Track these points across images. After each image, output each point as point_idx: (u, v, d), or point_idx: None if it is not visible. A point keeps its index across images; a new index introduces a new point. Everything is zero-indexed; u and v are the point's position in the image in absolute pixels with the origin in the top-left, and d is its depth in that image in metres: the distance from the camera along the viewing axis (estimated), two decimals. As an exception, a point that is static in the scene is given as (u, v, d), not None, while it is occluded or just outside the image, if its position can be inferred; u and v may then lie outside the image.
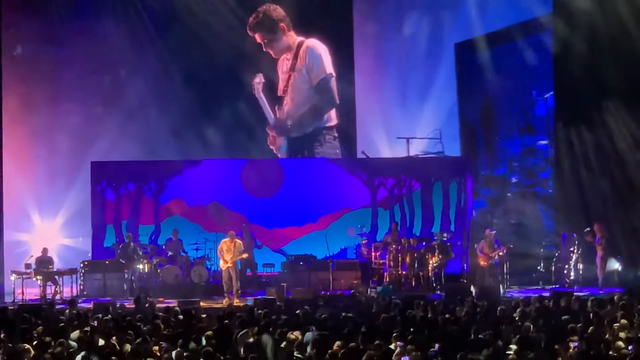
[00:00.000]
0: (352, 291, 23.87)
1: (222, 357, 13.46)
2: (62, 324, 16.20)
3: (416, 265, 25.85)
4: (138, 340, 14.46)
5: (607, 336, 14.51)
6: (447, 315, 16.93)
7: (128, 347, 14.16)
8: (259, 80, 30.09)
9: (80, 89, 29.39)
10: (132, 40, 29.70)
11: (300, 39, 30.63)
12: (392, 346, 14.00)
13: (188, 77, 30.09)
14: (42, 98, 29.07)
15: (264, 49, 30.35)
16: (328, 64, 30.48)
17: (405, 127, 30.78)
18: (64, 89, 29.45)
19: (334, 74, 30.50)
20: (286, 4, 30.09)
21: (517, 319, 16.46)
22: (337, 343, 13.88)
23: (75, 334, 15.19)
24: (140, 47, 29.89)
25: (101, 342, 14.69)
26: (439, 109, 30.30)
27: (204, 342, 14.51)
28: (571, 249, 25.59)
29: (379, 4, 32.17)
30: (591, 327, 15.25)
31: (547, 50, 26.63)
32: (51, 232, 29.20)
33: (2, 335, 14.91)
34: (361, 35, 31.62)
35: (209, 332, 15.06)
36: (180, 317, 17.42)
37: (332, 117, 31.10)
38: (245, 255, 24.45)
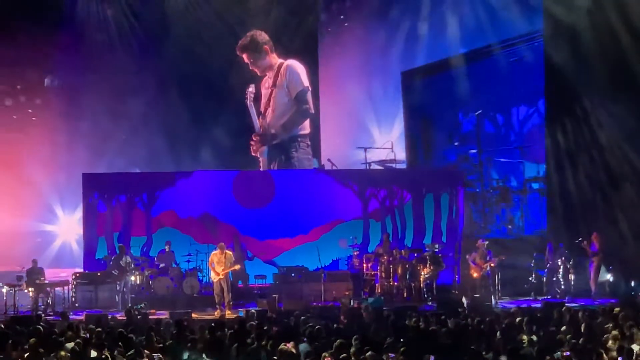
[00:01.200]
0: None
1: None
2: (54, 336, 16.19)
3: (408, 277, 25.87)
4: (130, 352, 14.46)
5: (598, 347, 14.52)
6: (438, 327, 16.95)
7: (121, 358, 14.14)
8: (252, 90, 31.82)
9: (91, 108, 32.23)
10: (132, 62, 32.62)
11: (280, 60, 32.65)
12: (384, 357, 13.98)
13: (182, 91, 32.43)
14: (62, 118, 32.53)
15: (250, 68, 32.42)
16: (305, 79, 32.37)
17: (364, 138, 34.35)
18: (79, 108, 32.59)
19: (310, 88, 32.47)
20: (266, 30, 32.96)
21: (508, 330, 16.46)
22: (325, 354, 13.90)
23: (68, 346, 15.16)
24: (140, 67, 32.54)
25: (93, 353, 14.68)
26: (392, 122, 34.83)
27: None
28: (559, 259, 25.64)
29: (342, 32, 35.53)
30: (582, 338, 15.28)
31: (477, 76, 30.85)
32: (71, 224, 32.90)
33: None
34: (326, 56, 35.38)
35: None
36: (172, 328, 17.41)
37: (306, 126, 32.82)
38: (237, 267, 24.53)
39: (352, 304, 23.37)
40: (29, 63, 32.30)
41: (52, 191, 32.14)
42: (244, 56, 32.20)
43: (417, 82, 34.14)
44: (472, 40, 31.04)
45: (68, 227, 32.85)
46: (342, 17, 35.57)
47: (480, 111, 31.17)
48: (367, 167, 32.40)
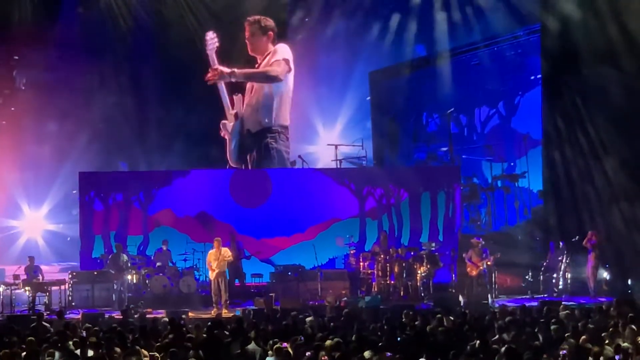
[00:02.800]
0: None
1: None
2: (49, 335, 16.19)
3: (404, 275, 25.86)
4: (127, 351, 14.45)
5: (595, 345, 14.52)
6: (435, 325, 16.96)
7: (118, 357, 14.14)
8: (212, 35, 29.80)
9: (60, 106, 32.15)
10: (101, 61, 32.52)
11: (272, 48, 31.25)
12: (380, 356, 13.97)
13: (152, 88, 32.69)
14: (29, 115, 32.43)
15: (246, 40, 30.98)
16: (289, 57, 30.63)
17: (335, 136, 35.39)
18: (48, 106, 32.32)
19: (289, 66, 30.61)
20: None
21: (505, 328, 16.46)
22: (322, 354, 13.93)
23: (65, 345, 15.16)
24: (108, 66, 32.59)
25: (90, 353, 14.67)
26: (362, 120, 36.12)
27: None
28: (559, 258, 25.68)
29: (314, 31, 35.06)
30: (579, 337, 15.29)
31: (441, 78, 32.13)
32: (37, 219, 33.29)
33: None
34: (298, 53, 33.84)
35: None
36: (169, 327, 17.40)
37: (287, 117, 31.23)
38: (228, 257, 24.33)
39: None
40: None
41: (18, 186, 32.22)
42: (247, 28, 30.96)
43: (384, 83, 36.01)
44: (437, 43, 31.93)
45: (34, 223, 32.91)
46: (310, 15, 35.03)
47: (452, 109, 32.15)
48: (338, 164, 32.61)
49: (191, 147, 31.51)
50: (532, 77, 30.60)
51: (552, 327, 16.52)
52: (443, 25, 31.04)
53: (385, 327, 17.07)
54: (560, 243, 26.00)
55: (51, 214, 32.75)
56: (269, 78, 30.37)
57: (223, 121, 30.30)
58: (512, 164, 31.37)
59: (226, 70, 29.59)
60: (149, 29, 32.56)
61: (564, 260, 25.65)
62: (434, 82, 32.53)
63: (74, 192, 32.39)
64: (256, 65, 30.88)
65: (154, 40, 32.47)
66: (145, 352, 14.67)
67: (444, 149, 32.44)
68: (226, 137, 30.40)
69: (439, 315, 18.18)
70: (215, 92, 30.50)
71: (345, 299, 24.05)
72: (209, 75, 29.80)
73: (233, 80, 30.16)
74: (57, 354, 14.41)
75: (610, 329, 15.87)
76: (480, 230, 30.03)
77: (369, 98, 36.20)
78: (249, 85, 30.88)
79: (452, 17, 30.75)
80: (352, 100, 35.20)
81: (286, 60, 30.32)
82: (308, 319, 18.36)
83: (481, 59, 31.68)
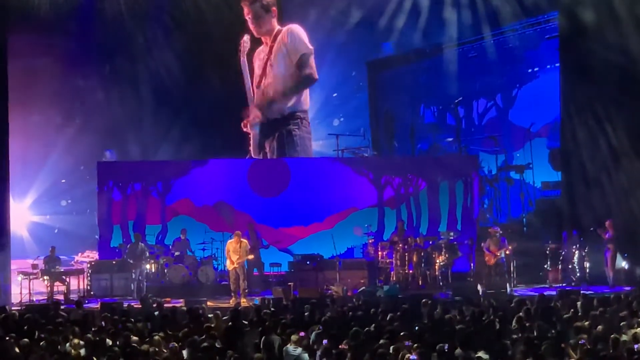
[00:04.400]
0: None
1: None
2: (68, 324, 16.25)
3: (423, 265, 25.83)
4: (146, 340, 14.49)
5: (614, 334, 14.48)
6: (454, 314, 16.94)
7: (136, 347, 14.18)
8: (246, 38, 30.19)
9: (45, 95, 31.87)
10: (89, 47, 32.17)
11: (279, 27, 30.96)
12: (398, 345, 13.98)
13: (157, 82, 31.82)
14: (13, 103, 30.48)
15: (248, 24, 30.61)
16: (307, 43, 30.56)
17: (336, 126, 35.19)
18: (33, 93, 31.44)
19: (312, 52, 30.67)
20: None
21: (523, 317, 16.43)
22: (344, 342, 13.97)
23: (84, 334, 15.21)
24: (97, 53, 32.46)
25: (109, 342, 14.72)
26: (363, 111, 36.47)
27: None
28: (573, 247, 25.62)
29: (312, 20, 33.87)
30: (598, 325, 15.26)
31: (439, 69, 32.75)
32: (22, 211, 32.10)
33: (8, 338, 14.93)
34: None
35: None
36: (188, 316, 17.45)
37: (307, 101, 31.05)
38: (251, 257, 24.45)
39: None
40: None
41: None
42: (245, 10, 30.44)
43: (382, 74, 36.45)
44: (436, 35, 32.12)
45: (17, 215, 31.40)
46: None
47: (460, 98, 32.11)
48: (340, 154, 32.02)
49: (188, 137, 31.23)
50: (530, 70, 30.96)
51: (571, 316, 16.51)
52: (446, 17, 30.75)
53: (404, 316, 17.06)
54: (573, 232, 25.93)
55: (36, 204, 32.45)
56: (313, 80, 30.49)
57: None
58: (517, 154, 31.41)
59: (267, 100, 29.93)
60: (147, 13, 31.67)
61: (578, 250, 25.59)
62: (431, 73, 33.11)
63: (63, 181, 32.63)
64: (264, 45, 30.64)
65: (150, 25, 31.74)
66: (164, 342, 14.71)
67: (450, 139, 32.30)
68: (250, 132, 30.35)
69: (457, 305, 18.20)
70: (213, 85, 30.68)
71: (363, 288, 24.07)
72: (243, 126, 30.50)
73: (273, 111, 30.31)
74: (76, 343, 14.46)
75: (629, 318, 15.84)
76: (486, 221, 29.87)
77: (335, 94, 35.53)
78: (259, 71, 30.74)
79: (452, 9, 30.47)
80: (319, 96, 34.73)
81: (311, 50, 30.22)
82: (326, 308, 18.40)
83: (479, 51, 31.70)
